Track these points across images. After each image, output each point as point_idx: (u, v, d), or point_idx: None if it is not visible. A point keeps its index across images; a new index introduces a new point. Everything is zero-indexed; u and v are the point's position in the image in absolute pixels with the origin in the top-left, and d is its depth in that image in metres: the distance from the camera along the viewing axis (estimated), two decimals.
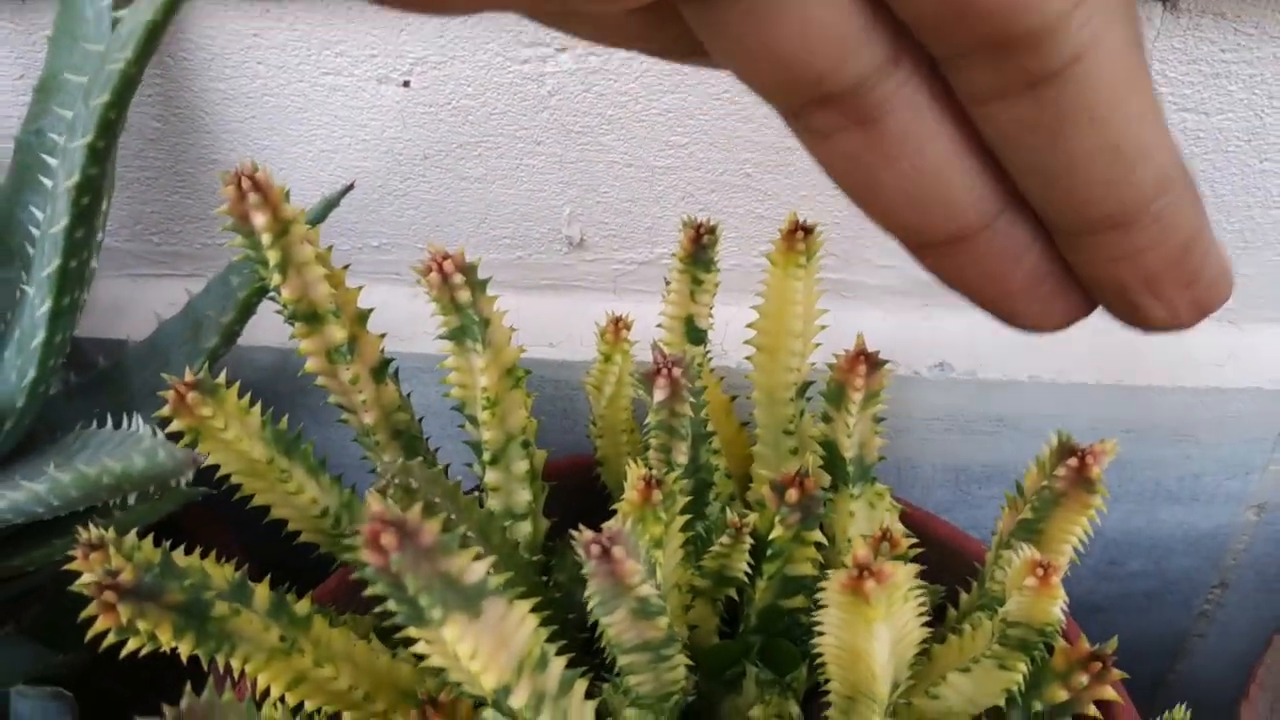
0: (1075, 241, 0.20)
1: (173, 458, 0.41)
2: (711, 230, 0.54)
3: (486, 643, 0.40)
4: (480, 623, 0.40)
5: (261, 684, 0.48)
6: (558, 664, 0.45)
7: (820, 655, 0.52)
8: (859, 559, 0.41)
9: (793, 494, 0.51)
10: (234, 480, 0.52)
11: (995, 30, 0.16)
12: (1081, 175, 0.18)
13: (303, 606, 0.50)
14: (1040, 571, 0.45)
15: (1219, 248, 0.20)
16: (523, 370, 0.55)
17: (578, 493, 0.68)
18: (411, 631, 0.40)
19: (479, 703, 0.45)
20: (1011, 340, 0.66)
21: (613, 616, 0.44)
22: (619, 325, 0.58)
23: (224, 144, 0.66)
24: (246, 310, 0.59)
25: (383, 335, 0.56)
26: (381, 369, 0.56)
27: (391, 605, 0.39)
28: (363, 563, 0.37)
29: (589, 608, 0.44)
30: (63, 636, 0.65)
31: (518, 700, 0.43)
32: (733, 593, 0.58)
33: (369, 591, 0.39)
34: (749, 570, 0.56)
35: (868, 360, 0.54)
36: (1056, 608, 0.47)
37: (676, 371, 0.51)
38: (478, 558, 0.38)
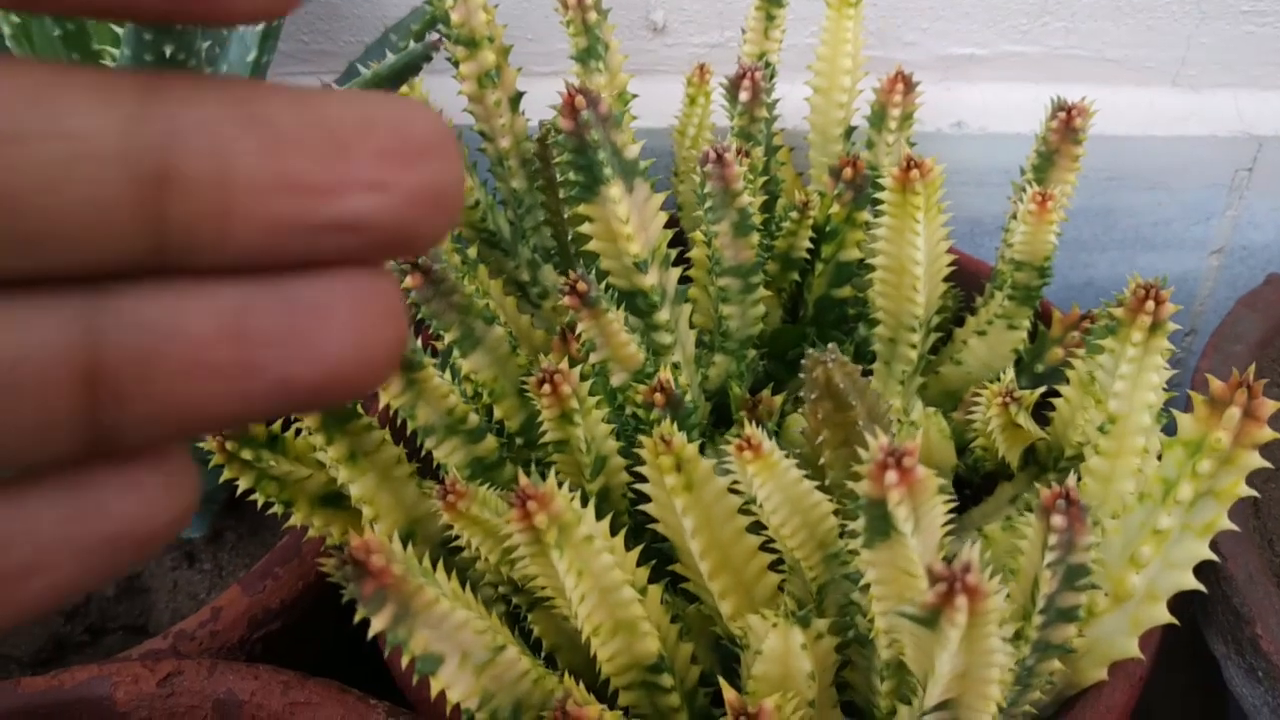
0: None
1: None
2: None
3: (635, 217, 0.55)
4: (632, 198, 0.54)
5: None
6: (675, 272, 0.60)
7: (870, 313, 0.67)
8: (905, 156, 0.55)
9: (848, 172, 0.66)
10: None
11: None
12: None
13: (472, 251, 0.65)
14: (1040, 199, 0.60)
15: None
16: (630, 94, 0.70)
17: None
18: (579, 209, 0.55)
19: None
20: (1018, 101, 0.81)
21: (719, 225, 0.59)
22: (704, 70, 0.73)
23: None
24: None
25: (519, 70, 0.70)
26: (517, 99, 0.71)
27: (572, 176, 0.53)
28: (556, 133, 0.51)
29: (703, 211, 0.58)
30: None
31: (649, 279, 0.57)
32: (796, 276, 0.72)
33: (557, 160, 0.53)
34: (809, 255, 0.71)
35: (904, 81, 0.69)
36: (1052, 235, 0.62)
37: (758, 75, 0.66)
38: (633, 140, 0.53)
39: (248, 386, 0.16)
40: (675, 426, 0.54)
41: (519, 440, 0.61)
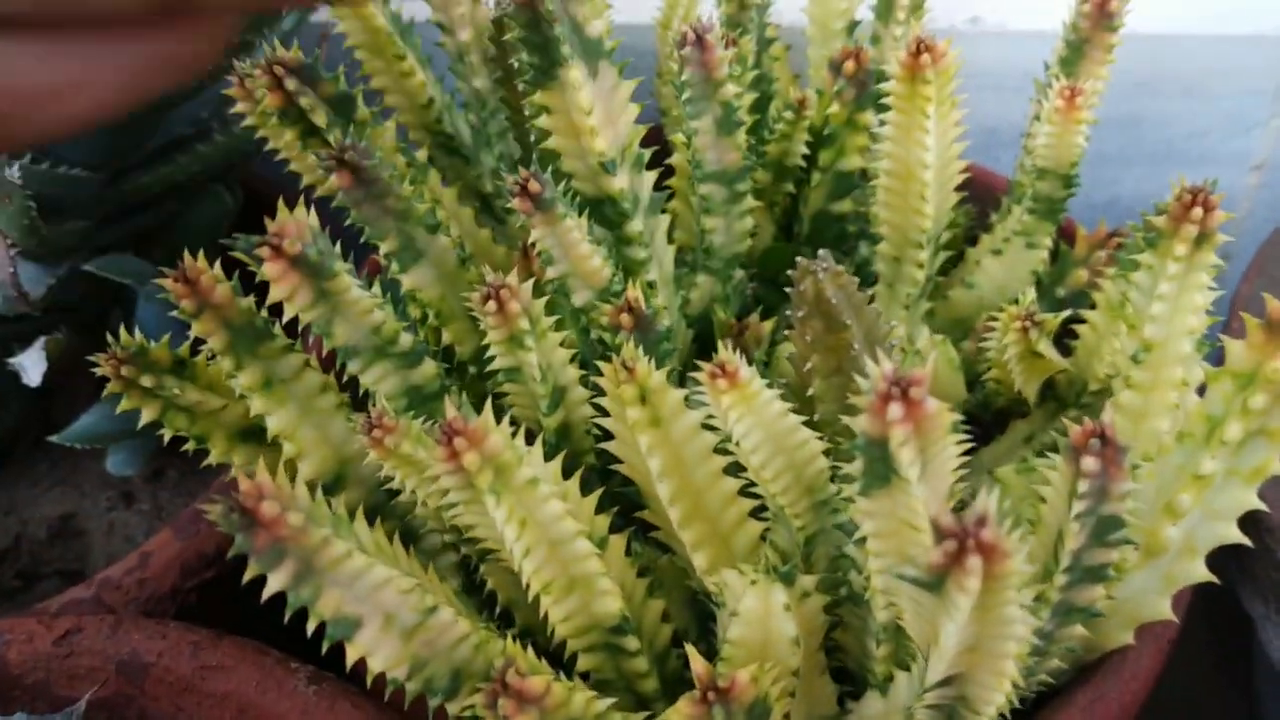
0: None
1: None
2: None
3: (600, 107, 0.47)
4: (597, 84, 0.46)
5: None
6: (650, 176, 0.52)
7: (872, 234, 0.59)
8: (915, 38, 0.47)
9: (849, 65, 0.58)
10: (357, 56, 0.58)
11: None
12: None
13: (422, 154, 0.57)
14: (1068, 93, 0.52)
15: None
16: None
17: None
18: (536, 98, 0.47)
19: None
20: None
21: (700, 122, 0.51)
22: None
23: None
24: None
25: None
26: None
27: (525, 56, 0.46)
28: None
29: (682, 103, 0.51)
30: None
31: (618, 183, 0.50)
32: (790, 188, 0.65)
33: (508, 36, 0.46)
34: (805, 164, 0.63)
35: None
36: (1081, 138, 0.54)
37: None
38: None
39: None
40: (643, 352, 0.47)
41: (472, 369, 0.54)
